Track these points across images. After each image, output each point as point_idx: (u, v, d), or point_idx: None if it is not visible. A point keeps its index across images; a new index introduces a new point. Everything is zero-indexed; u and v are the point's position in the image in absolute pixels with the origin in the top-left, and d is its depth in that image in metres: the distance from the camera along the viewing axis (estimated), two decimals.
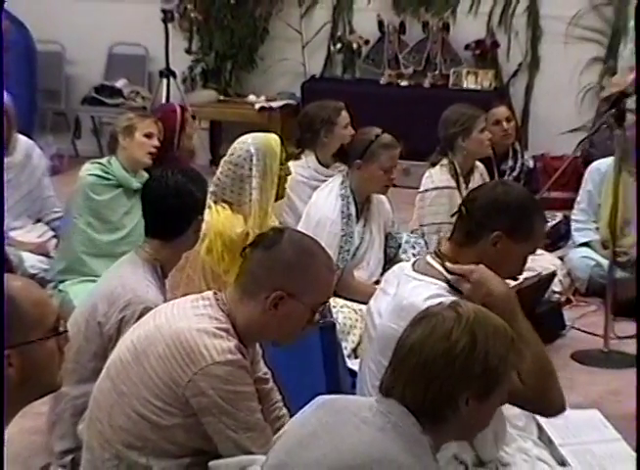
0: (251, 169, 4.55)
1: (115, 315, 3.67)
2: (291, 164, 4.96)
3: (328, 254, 3.14)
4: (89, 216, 5.50)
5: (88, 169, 5.53)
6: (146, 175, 5.04)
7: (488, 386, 2.50)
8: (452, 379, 2.45)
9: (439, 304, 2.63)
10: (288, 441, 2.54)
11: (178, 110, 6.04)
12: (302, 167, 5.84)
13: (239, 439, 2.91)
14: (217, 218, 4.45)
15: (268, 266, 2.98)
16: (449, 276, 3.26)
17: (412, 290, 3.24)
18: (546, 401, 3.06)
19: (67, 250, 5.62)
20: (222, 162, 4.73)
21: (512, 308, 3.12)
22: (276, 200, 4.77)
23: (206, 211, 4.08)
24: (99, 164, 5.56)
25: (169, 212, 3.80)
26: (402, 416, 2.45)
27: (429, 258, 3.37)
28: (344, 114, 6.09)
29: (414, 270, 3.34)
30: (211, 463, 2.94)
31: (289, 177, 4.83)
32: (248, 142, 4.65)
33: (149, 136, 5.46)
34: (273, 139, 4.69)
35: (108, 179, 5.49)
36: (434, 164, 5.94)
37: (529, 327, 3.15)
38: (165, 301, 3.36)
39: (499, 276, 3.28)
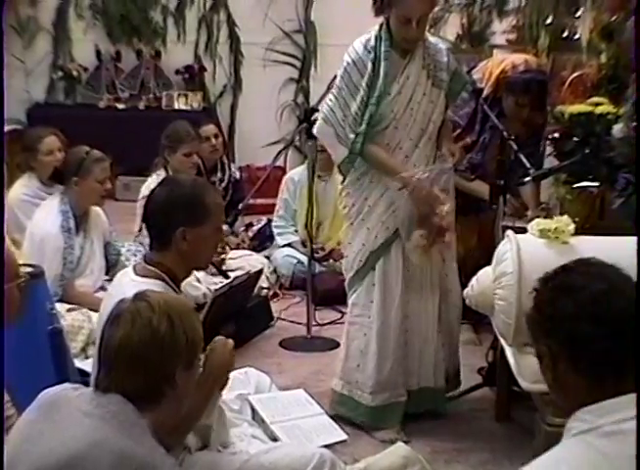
0: None
1: None
2: (16, 183, 4.79)
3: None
4: None
5: None
6: None
7: (191, 356, 2.54)
8: (165, 358, 2.46)
9: (122, 300, 2.59)
10: (17, 439, 2.46)
11: None
12: (26, 186, 5.61)
13: None
14: None
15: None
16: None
17: (135, 289, 3.21)
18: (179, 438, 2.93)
19: None
20: None
21: None
22: None
23: None
24: None
25: None
26: (120, 404, 2.42)
27: (144, 264, 3.35)
28: (48, 140, 5.75)
29: (136, 274, 3.32)
30: None
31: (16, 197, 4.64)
32: None
33: None
34: None
35: None
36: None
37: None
38: None
39: (200, 262, 3.37)
